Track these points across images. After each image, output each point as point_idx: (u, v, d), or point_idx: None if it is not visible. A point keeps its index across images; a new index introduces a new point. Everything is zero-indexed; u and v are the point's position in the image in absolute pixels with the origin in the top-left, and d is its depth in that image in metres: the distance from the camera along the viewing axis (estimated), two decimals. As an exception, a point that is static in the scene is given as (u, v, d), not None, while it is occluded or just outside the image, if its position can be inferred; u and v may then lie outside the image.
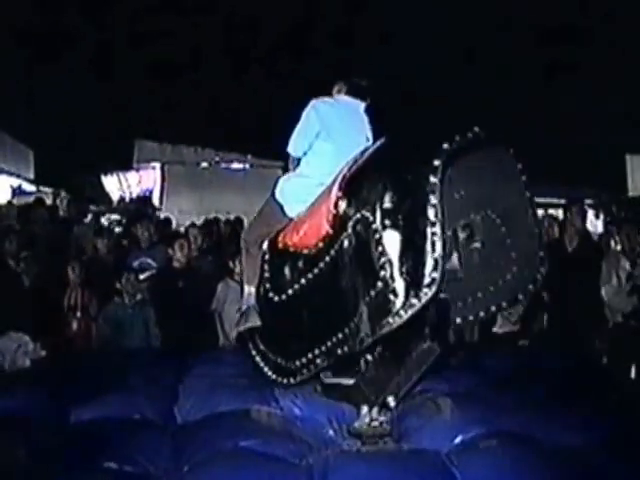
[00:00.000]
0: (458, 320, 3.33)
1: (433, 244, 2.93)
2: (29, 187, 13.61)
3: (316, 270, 3.42)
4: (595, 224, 10.18)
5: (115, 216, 10.68)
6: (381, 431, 3.26)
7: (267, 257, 3.82)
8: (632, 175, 13.22)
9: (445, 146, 3.04)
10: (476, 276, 3.30)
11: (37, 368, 4.37)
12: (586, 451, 3.10)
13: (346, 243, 3.21)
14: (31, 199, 9.80)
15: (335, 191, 3.30)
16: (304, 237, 3.53)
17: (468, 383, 3.86)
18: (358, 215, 3.13)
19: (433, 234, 2.93)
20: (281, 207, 3.76)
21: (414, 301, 2.94)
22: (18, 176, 13.32)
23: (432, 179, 2.96)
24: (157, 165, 13.45)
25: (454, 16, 20.27)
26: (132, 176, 14.07)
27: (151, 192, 13.10)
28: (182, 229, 7.94)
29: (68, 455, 3.11)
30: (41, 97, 18.85)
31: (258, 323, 3.81)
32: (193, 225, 7.63)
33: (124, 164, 14.35)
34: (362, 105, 3.83)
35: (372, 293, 3.04)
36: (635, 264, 5.08)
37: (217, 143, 14.69)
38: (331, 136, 3.66)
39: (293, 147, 3.78)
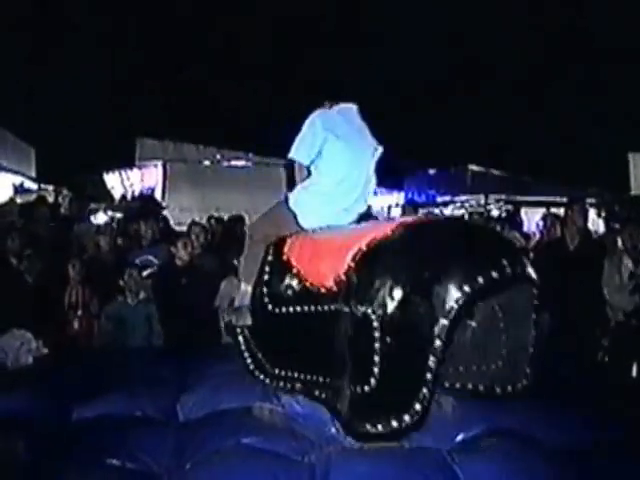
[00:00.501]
0: (446, 384, 3.45)
1: (427, 386, 2.95)
2: (31, 185, 13.63)
3: (313, 309, 3.39)
4: (597, 223, 10.17)
5: (118, 214, 10.69)
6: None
7: (270, 259, 3.73)
8: (634, 174, 13.19)
9: (466, 289, 2.93)
10: (463, 351, 3.41)
11: (39, 366, 4.37)
12: (587, 450, 3.11)
13: (346, 315, 3.15)
14: (33, 197, 9.81)
15: (349, 259, 3.21)
16: (310, 270, 3.46)
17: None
18: (362, 308, 3.07)
19: (428, 382, 2.94)
20: (294, 215, 3.69)
21: (394, 424, 3.00)
22: (20, 174, 13.35)
23: (443, 321, 2.91)
24: (159, 163, 13.44)
25: (454, 16, 20.29)
26: (134, 174, 14.07)
27: (153, 190, 13.08)
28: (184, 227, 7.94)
29: (70, 453, 3.12)
30: (43, 95, 18.89)
31: (249, 323, 3.78)
32: (195, 223, 7.64)
33: (126, 162, 14.35)
34: (355, 107, 3.82)
35: (357, 388, 3.07)
36: (638, 263, 5.07)
37: (219, 141, 14.71)
38: (340, 138, 3.61)
39: (299, 155, 3.70)
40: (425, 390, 2.96)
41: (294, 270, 3.55)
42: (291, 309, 3.53)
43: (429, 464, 3.00)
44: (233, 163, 13.82)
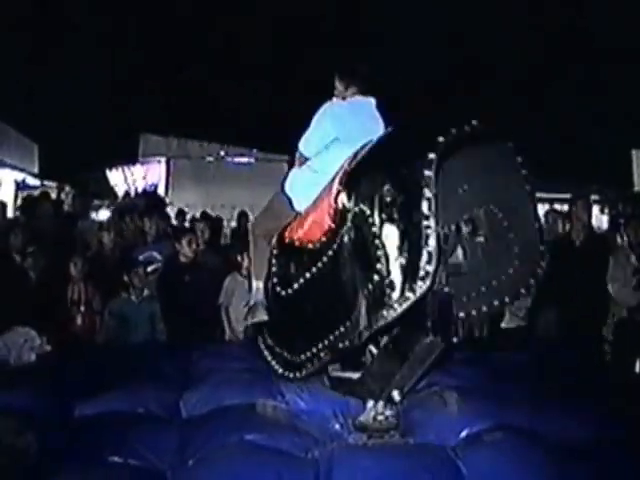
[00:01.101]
0: (461, 314, 3.28)
1: (427, 237, 2.92)
2: (33, 181, 13.60)
3: (319, 264, 3.42)
4: (600, 219, 10.16)
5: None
6: (387, 425, 3.25)
7: (275, 252, 3.81)
8: (638, 170, 13.17)
9: (440, 139, 3.03)
10: (479, 271, 3.27)
11: (42, 363, 4.37)
12: (591, 446, 3.10)
13: (346, 237, 3.22)
14: (35, 193, 9.79)
15: (336, 185, 3.32)
16: (308, 231, 3.55)
17: (474, 377, 3.86)
18: (356, 209, 3.14)
19: (427, 227, 2.92)
20: (289, 201, 3.75)
21: (409, 294, 2.95)
22: (22, 170, 13.29)
23: (426, 172, 2.94)
24: (162, 159, 13.41)
25: (454, 16, 20.28)
26: (137, 170, 14.03)
27: (156, 186, 13.07)
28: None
29: (73, 449, 3.11)
30: (45, 91, 18.87)
31: (265, 318, 3.82)
32: (198, 219, 7.65)
33: (129, 158, 14.32)
34: (374, 102, 3.80)
35: (369, 286, 3.06)
36: (642, 259, 5.07)
37: (223, 137, 14.67)
38: (348, 140, 3.60)
39: (306, 148, 3.75)
40: (430, 248, 2.92)
41: (295, 244, 3.64)
42: (297, 284, 3.58)
43: (433, 460, 3.00)
44: (237, 159, 13.79)
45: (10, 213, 8.32)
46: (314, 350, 3.49)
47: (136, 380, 3.87)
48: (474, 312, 3.28)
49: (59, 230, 6.76)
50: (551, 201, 11.69)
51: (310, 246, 3.50)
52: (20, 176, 12.97)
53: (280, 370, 3.73)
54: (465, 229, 3.18)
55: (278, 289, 3.71)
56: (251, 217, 8.86)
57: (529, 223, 3.35)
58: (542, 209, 8.62)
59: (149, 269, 5.77)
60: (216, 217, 9.02)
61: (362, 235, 3.11)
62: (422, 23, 20.21)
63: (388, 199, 3.03)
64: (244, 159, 13.87)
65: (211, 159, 13.71)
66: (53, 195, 10.03)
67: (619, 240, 5.54)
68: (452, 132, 3.08)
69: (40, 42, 19.62)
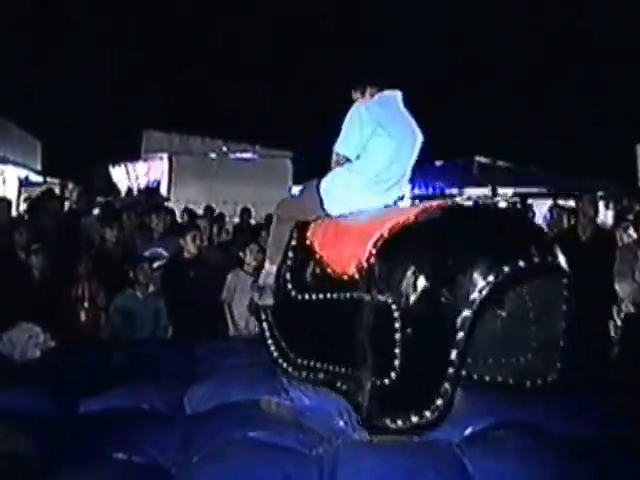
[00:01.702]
0: (475, 376, 3.36)
1: (449, 380, 2.87)
2: (36, 178, 13.59)
3: (336, 296, 3.34)
4: (605, 215, 10.16)
5: None
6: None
7: (293, 244, 3.69)
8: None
9: (490, 278, 2.84)
10: (492, 342, 3.29)
11: (46, 359, 4.35)
12: (596, 443, 3.08)
13: (368, 303, 3.09)
14: (39, 190, 9.78)
15: (370, 246, 3.15)
16: (332, 256, 3.42)
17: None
18: (382, 297, 3.01)
19: (450, 376, 2.87)
20: (321, 200, 3.64)
21: (414, 419, 2.94)
22: (25, 167, 13.28)
23: (466, 313, 2.83)
24: (165, 155, 13.37)
25: (454, 16, 20.30)
26: (140, 167, 14.00)
27: (159, 183, 13.05)
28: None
29: (77, 446, 3.11)
30: (48, 89, 18.89)
31: (271, 303, 3.76)
32: (201, 216, 7.65)
33: (132, 155, 14.29)
34: (399, 94, 3.75)
35: (377, 382, 3.02)
36: (649, 254, 5.06)
37: (225, 133, 14.64)
38: (388, 132, 3.55)
39: (345, 147, 3.61)
40: (447, 385, 2.88)
41: (317, 256, 3.50)
42: (314, 296, 3.48)
43: (438, 457, 2.98)
44: (239, 155, 13.74)
45: (13, 210, 8.28)
46: (312, 364, 3.50)
47: (140, 377, 3.87)
48: (475, 377, 3.35)
49: (63, 226, 6.75)
50: (556, 197, 11.70)
51: (329, 271, 3.40)
52: (23, 173, 12.98)
53: (275, 354, 3.69)
54: (491, 301, 3.09)
55: (289, 287, 3.63)
56: (254, 213, 8.90)
57: (554, 330, 3.26)
58: (547, 205, 8.66)
59: (154, 265, 5.76)
60: (219, 213, 9.02)
61: (383, 324, 2.99)
62: (422, 23, 20.23)
63: (416, 312, 2.90)
64: (247, 155, 13.81)
65: (214, 155, 13.65)
66: (56, 191, 10.01)
67: (625, 236, 5.54)
68: (504, 270, 2.87)
69: (42, 41, 19.65)
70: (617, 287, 5.04)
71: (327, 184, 3.64)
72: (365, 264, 3.14)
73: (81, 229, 6.83)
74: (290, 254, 3.67)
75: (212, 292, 5.51)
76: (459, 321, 2.83)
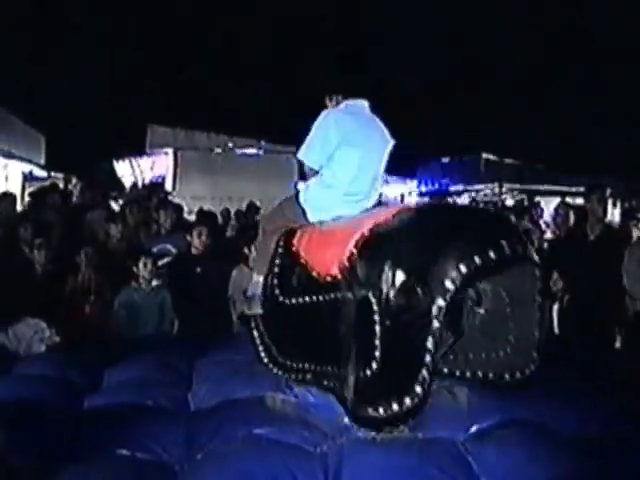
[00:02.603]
0: (445, 370, 3.49)
1: (427, 368, 2.95)
2: (40, 173, 13.61)
3: (321, 298, 3.43)
4: (612, 213, 10.14)
5: None
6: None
7: (280, 251, 3.79)
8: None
9: (462, 269, 2.94)
10: (473, 338, 3.43)
11: (51, 354, 4.35)
12: (601, 441, 3.08)
13: (350, 301, 3.19)
14: (43, 185, 9.77)
15: (351, 246, 3.25)
16: (316, 260, 3.51)
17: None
18: (362, 292, 3.11)
19: (427, 364, 2.95)
20: (303, 210, 3.71)
21: (395, 407, 3.01)
22: (29, 162, 13.26)
23: (440, 302, 2.93)
24: (170, 151, 13.36)
25: (454, 16, 20.34)
26: (145, 162, 14.00)
27: (164, 178, 13.04)
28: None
29: (81, 441, 3.09)
30: (53, 82, 18.92)
31: (260, 312, 3.85)
32: (204, 212, 7.64)
33: (137, 149, 14.28)
34: (366, 104, 3.77)
35: (360, 373, 3.09)
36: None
37: (230, 128, 14.66)
38: (354, 144, 3.59)
39: (309, 159, 3.67)
40: (425, 372, 2.97)
41: (302, 261, 3.61)
42: (300, 299, 3.57)
43: (443, 455, 2.97)
44: (244, 151, 13.73)
45: (18, 205, 8.27)
46: (300, 366, 3.58)
47: (144, 372, 3.87)
48: (457, 373, 3.50)
49: (68, 221, 6.76)
50: (563, 194, 11.68)
51: (314, 274, 3.48)
52: (27, 168, 12.97)
53: (265, 360, 3.78)
54: (470, 298, 3.32)
55: (277, 292, 3.72)
56: (260, 209, 8.88)
57: (530, 324, 3.36)
58: (555, 202, 8.63)
59: (161, 262, 5.75)
60: (224, 209, 9.02)
61: (364, 318, 3.08)
62: (422, 23, 20.27)
63: (394, 307, 2.99)
64: (252, 151, 13.80)
65: (219, 151, 13.64)
66: (60, 186, 10.02)
67: (635, 233, 5.50)
68: (476, 261, 2.97)
69: (43, 41, 19.68)
70: (626, 285, 5.02)
71: (304, 195, 3.74)
72: (347, 264, 3.25)
73: (85, 224, 6.84)
74: (277, 261, 3.78)
75: (218, 288, 5.52)
76: (434, 310, 2.93)
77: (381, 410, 3.04)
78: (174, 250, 6.10)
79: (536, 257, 3.27)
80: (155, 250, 6.03)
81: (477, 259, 2.97)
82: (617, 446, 3.04)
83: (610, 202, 10.13)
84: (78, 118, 18.45)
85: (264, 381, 3.60)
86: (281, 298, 3.69)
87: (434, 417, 3.23)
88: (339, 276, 3.29)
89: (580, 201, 7.73)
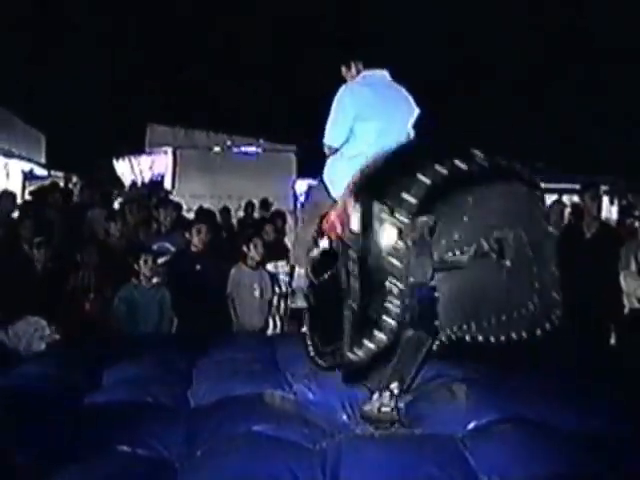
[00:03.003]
0: (480, 338, 3.22)
1: (391, 293, 2.93)
2: (41, 171, 13.62)
3: (334, 267, 3.41)
4: (610, 210, 10.12)
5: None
6: (390, 417, 3.19)
7: (315, 235, 3.80)
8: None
9: (425, 180, 2.89)
10: (502, 297, 3.20)
11: (51, 352, 4.37)
12: (600, 437, 3.08)
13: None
14: (44, 184, 9.78)
15: (347, 194, 3.29)
16: (329, 226, 3.54)
17: (482, 368, 3.84)
18: (350, 244, 3.12)
19: (392, 284, 2.93)
20: (327, 188, 3.71)
21: (370, 345, 2.99)
22: (30, 160, 13.25)
23: (402, 217, 2.88)
24: (169, 149, 13.34)
25: (454, 16, 20.30)
26: (144, 160, 13.99)
27: (163, 176, 13.04)
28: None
29: (81, 438, 3.10)
30: (53, 82, 18.91)
31: (304, 305, 3.89)
32: (203, 210, 7.65)
33: (136, 148, 14.28)
34: (386, 73, 3.77)
35: (348, 323, 3.11)
36: (654, 250, 5.07)
37: (230, 127, 14.62)
38: (371, 116, 3.58)
39: (331, 138, 3.68)
40: (394, 301, 2.93)
41: (325, 237, 3.63)
42: (323, 275, 3.58)
43: (441, 451, 2.98)
44: (244, 149, 13.71)
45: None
46: (332, 348, 3.49)
47: (144, 369, 3.88)
48: (492, 339, 3.21)
49: (68, 219, 6.77)
50: (560, 192, 11.66)
51: (332, 242, 3.50)
52: (28, 166, 12.95)
53: (312, 353, 3.72)
54: (492, 249, 3.06)
55: (312, 277, 3.74)
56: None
57: (551, 264, 3.24)
58: (551, 199, 8.65)
59: (160, 260, 5.76)
60: (223, 207, 9.03)
61: (348, 268, 3.10)
62: (422, 23, 20.23)
63: (364, 238, 2.99)
64: (251, 149, 13.78)
65: (218, 149, 13.62)
66: (61, 185, 10.03)
67: (633, 231, 5.51)
68: (440, 171, 2.92)
69: (42, 41, 19.69)
70: (622, 282, 5.03)
71: (327, 171, 3.74)
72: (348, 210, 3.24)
73: (85, 222, 6.86)
74: (313, 249, 3.77)
75: (217, 286, 5.53)
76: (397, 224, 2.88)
77: (360, 353, 3.02)
78: (173, 248, 6.12)
79: (526, 172, 3.17)
80: (155, 247, 6.04)
81: (442, 169, 2.89)
82: (617, 443, 3.04)
83: (607, 199, 10.14)
84: (78, 117, 18.44)
85: (263, 378, 3.62)
86: (315, 281, 3.68)
87: (432, 413, 3.26)
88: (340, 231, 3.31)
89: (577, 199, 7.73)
